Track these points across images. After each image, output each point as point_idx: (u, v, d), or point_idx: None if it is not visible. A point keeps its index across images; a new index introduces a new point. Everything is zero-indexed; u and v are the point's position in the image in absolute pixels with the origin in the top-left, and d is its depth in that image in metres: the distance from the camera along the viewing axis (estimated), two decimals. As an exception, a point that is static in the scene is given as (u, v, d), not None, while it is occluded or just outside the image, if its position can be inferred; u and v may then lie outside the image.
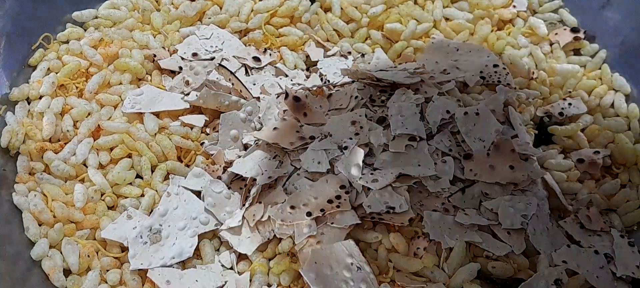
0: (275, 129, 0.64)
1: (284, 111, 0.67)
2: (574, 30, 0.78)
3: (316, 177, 0.61)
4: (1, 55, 0.70)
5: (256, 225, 0.59)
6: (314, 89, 0.70)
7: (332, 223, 0.58)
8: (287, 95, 0.66)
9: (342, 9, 0.80)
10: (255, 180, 0.61)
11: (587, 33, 0.78)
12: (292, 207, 0.59)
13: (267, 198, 0.61)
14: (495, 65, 0.74)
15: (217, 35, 0.77)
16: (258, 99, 0.69)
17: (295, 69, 0.75)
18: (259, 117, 0.67)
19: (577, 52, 0.78)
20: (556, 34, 0.78)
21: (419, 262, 0.57)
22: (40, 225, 0.61)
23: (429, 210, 0.60)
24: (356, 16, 0.79)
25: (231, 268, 0.59)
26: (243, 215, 0.59)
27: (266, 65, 0.74)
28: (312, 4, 0.81)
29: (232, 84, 0.70)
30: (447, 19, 0.81)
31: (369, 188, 0.59)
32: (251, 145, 0.64)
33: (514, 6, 0.82)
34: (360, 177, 0.60)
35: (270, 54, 0.75)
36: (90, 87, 0.69)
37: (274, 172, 0.61)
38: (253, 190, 0.60)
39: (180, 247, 0.59)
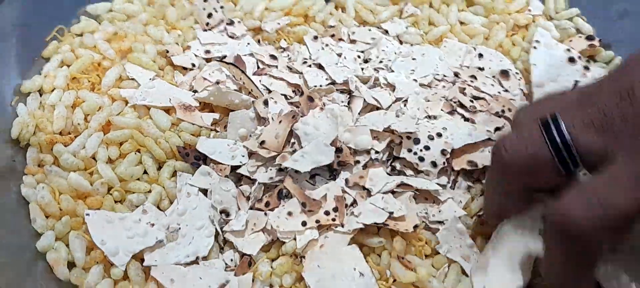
0: (277, 128, 0.64)
1: (289, 111, 0.66)
2: (589, 38, 0.76)
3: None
4: (15, 46, 0.71)
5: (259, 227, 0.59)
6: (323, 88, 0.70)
7: (335, 227, 0.58)
8: (301, 93, 0.65)
9: (356, 11, 0.79)
10: (256, 181, 0.61)
11: (602, 41, 0.76)
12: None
13: (268, 200, 0.61)
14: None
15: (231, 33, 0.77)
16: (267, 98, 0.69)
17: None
18: (267, 117, 0.67)
19: (592, 58, 0.76)
20: (571, 41, 0.77)
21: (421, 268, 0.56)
22: (47, 217, 0.61)
23: (433, 216, 0.60)
24: (370, 19, 0.79)
25: (234, 267, 0.58)
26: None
27: (277, 65, 0.74)
28: (327, 3, 0.81)
29: (243, 83, 0.70)
30: (461, 23, 0.80)
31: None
32: (256, 145, 0.64)
33: (529, 10, 0.80)
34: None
35: (287, 55, 0.75)
36: (106, 81, 0.70)
37: (274, 173, 0.61)
38: (254, 191, 0.60)
39: (196, 246, 0.58)
